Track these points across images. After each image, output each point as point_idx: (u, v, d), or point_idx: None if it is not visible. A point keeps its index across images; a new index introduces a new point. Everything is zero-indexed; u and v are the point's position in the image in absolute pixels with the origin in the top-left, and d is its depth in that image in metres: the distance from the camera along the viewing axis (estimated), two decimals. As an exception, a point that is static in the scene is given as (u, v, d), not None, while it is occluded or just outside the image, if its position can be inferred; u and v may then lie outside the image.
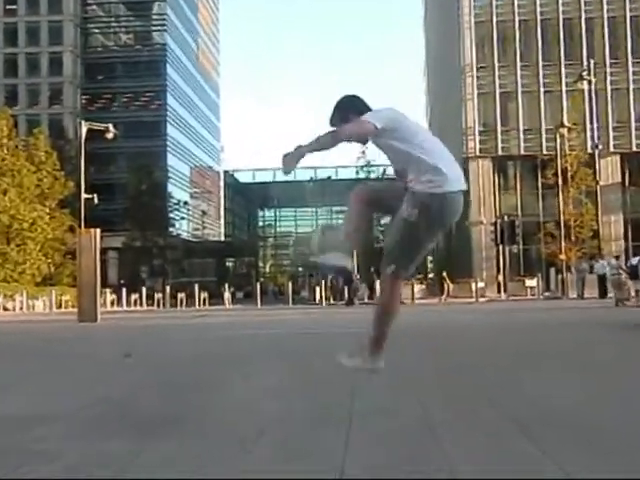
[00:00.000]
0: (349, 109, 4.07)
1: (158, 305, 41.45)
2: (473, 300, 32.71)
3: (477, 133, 49.64)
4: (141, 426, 3.80)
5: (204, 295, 44.03)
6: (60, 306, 46.22)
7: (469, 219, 46.19)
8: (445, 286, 35.08)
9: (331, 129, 3.94)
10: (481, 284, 37.33)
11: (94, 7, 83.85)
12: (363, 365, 4.04)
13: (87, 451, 3.27)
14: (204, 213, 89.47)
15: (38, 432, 3.78)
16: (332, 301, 35.08)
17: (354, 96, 4.20)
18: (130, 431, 3.68)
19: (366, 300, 32.37)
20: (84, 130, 24.98)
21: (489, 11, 50.06)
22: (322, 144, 3.80)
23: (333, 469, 2.74)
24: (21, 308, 43.23)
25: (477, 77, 49.58)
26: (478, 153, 49.22)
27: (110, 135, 28.18)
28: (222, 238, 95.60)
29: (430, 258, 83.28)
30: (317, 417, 3.88)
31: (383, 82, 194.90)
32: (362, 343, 4.09)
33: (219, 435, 3.51)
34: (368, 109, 4.06)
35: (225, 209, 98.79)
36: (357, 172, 74.45)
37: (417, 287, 37.63)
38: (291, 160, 3.86)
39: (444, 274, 36.14)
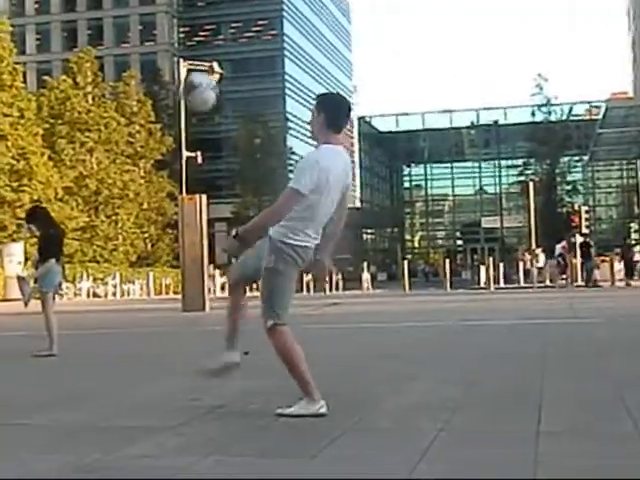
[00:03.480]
0: (324, 110, 4.94)
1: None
2: None
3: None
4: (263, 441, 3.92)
5: (337, 277, 44.58)
6: (160, 291, 48.41)
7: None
8: None
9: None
10: None
11: None
12: (308, 411, 4.76)
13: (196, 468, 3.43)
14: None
15: (144, 446, 4.03)
16: (548, 283, 34.66)
17: (340, 102, 5.15)
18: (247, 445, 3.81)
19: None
20: (183, 71, 25.64)
21: None
22: (262, 225, 4.85)
23: None
24: (114, 294, 45.64)
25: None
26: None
27: (215, 77, 28.77)
28: (357, 204, 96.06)
29: (636, 227, 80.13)
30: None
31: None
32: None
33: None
34: (341, 121, 5.02)
35: (360, 167, 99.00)
36: (533, 113, 72.61)
37: (618, 265, 36.26)
38: (235, 249, 4.86)
39: None
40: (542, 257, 37.87)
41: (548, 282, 35.60)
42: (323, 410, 4.74)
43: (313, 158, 4.89)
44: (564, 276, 34.34)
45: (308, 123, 5.12)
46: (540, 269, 36.84)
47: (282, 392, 5.54)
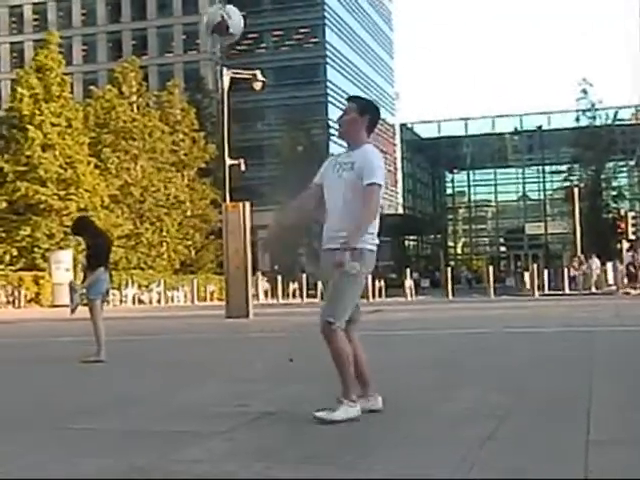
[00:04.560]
0: (369, 114, 5.10)
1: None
2: None
3: None
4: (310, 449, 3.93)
5: (379, 284, 44.48)
6: (204, 298, 48.68)
7: None
8: None
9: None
10: None
11: None
12: (350, 414, 4.80)
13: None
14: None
15: (193, 451, 4.07)
16: (627, 289, 34.19)
17: (378, 107, 5.32)
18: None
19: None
20: (226, 80, 25.79)
21: None
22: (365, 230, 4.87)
23: None
24: (158, 300, 46.01)
25: None
26: None
27: (258, 85, 28.86)
28: (400, 210, 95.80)
29: None
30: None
31: None
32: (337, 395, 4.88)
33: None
34: (377, 124, 5.21)
35: (403, 173, 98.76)
36: (577, 118, 71.87)
37: None
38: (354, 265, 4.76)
39: None
40: (597, 262, 37.28)
41: (594, 289, 35.19)
42: (360, 413, 4.84)
43: (379, 156, 5.08)
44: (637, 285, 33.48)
45: (339, 121, 5.14)
46: (598, 275, 36.32)
47: (329, 398, 5.55)
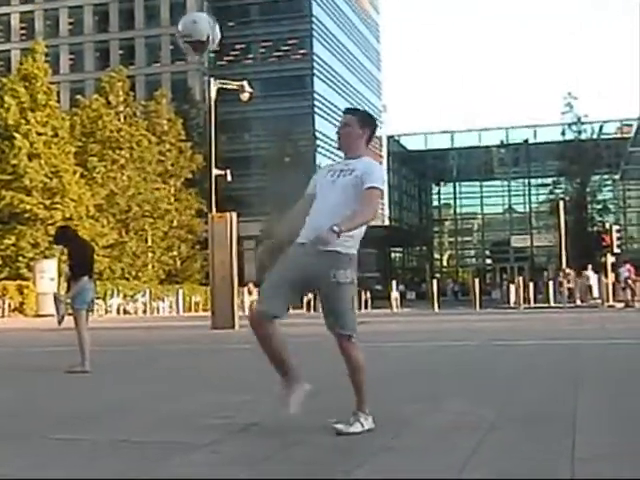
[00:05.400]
0: (370, 127, 5.14)
1: (308, 308, 42.00)
2: None
3: None
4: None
5: (365, 295, 44.44)
6: (190, 309, 48.57)
7: None
8: None
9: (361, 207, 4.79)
10: None
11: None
12: (367, 426, 4.81)
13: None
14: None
15: (176, 462, 4.04)
16: (579, 302, 34.15)
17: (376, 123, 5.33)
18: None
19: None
20: (214, 90, 25.84)
21: None
22: (360, 226, 4.80)
23: None
24: (144, 311, 45.85)
25: None
26: None
27: (245, 96, 28.90)
28: (386, 222, 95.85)
29: None
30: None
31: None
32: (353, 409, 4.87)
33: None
34: (371, 139, 5.21)
35: (389, 185, 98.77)
36: (563, 132, 72.25)
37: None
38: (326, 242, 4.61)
39: None
40: (592, 275, 37.24)
41: (579, 302, 35.28)
42: (373, 425, 4.84)
43: (380, 167, 5.17)
44: (636, 298, 33.46)
45: (340, 133, 5.10)
46: (589, 287, 36.40)
47: (315, 409, 5.53)
